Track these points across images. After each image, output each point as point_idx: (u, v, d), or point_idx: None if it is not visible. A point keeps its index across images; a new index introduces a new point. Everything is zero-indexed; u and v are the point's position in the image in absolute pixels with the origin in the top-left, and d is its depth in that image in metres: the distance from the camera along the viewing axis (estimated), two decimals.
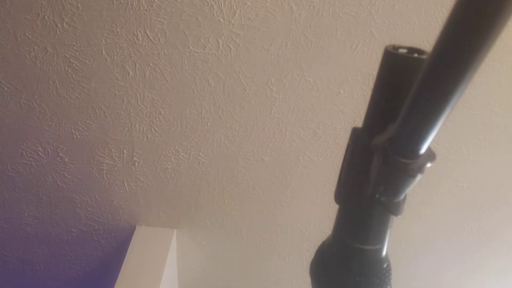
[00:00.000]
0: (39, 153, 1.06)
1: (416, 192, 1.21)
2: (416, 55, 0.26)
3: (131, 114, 0.99)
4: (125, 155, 1.07)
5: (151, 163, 1.09)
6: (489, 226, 1.30)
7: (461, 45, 0.18)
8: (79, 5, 0.83)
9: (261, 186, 1.15)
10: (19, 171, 1.10)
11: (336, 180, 0.34)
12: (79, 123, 1.00)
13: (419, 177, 0.25)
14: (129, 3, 0.83)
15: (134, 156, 1.07)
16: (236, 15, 0.85)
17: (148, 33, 0.87)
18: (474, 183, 1.19)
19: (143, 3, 0.83)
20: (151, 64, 0.91)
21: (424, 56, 0.25)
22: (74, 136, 1.03)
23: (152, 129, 1.02)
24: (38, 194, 1.15)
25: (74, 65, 0.91)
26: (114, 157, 1.07)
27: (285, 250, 1.34)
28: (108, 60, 0.90)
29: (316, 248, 0.37)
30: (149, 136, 1.03)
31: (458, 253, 1.38)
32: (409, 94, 0.22)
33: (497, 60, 0.96)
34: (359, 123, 0.31)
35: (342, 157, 0.33)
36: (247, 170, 1.12)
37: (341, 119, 1.02)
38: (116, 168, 1.09)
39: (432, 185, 1.20)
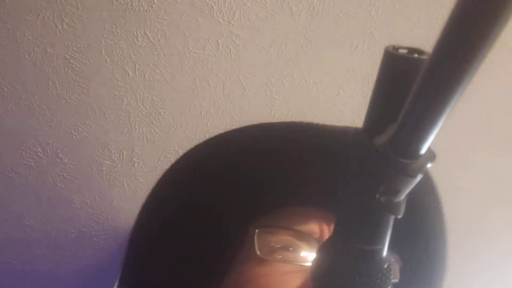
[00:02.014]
0: (39, 153, 1.06)
1: None
2: (416, 55, 0.25)
3: (131, 114, 0.99)
4: (124, 156, 1.07)
5: (151, 163, 1.09)
6: (489, 227, 1.30)
7: (461, 45, 0.18)
8: (79, 6, 0.83)
9: None
10: (19, 171, 1.09)
11: None
12: (78, 123, 1.00)
13: (419, 177, 0.24)
14: (129, 4, 0.83)
15: (134, 157, 1.07)
16: (236, 15, 0.85)
17: (148, 34, 0.87)
18: (474, 183, 1.19)
19: (143, 3, 0.83)
20: (150, 65, 0.91)
21: (424, 57, 0.25)
22: (74, 137, 1.03)
23: (152, 129, 1.02)
24: (38, 194, 1.15)
25: (73, 65, 0.91)
26: (113, 158, 1.07)
27: None
28: (108, 61, 0.90)
29: None
30: (148, 137, 1.03)
31: (457, 254, 1.38)
32: (409, 94, 0.22)
33: (497, 60, 0.96)
34: (359, 123, 0.31)
35: None
36: None
37: (341, 119, 1.02)
38: (115, 169, 1.09)
39: None
